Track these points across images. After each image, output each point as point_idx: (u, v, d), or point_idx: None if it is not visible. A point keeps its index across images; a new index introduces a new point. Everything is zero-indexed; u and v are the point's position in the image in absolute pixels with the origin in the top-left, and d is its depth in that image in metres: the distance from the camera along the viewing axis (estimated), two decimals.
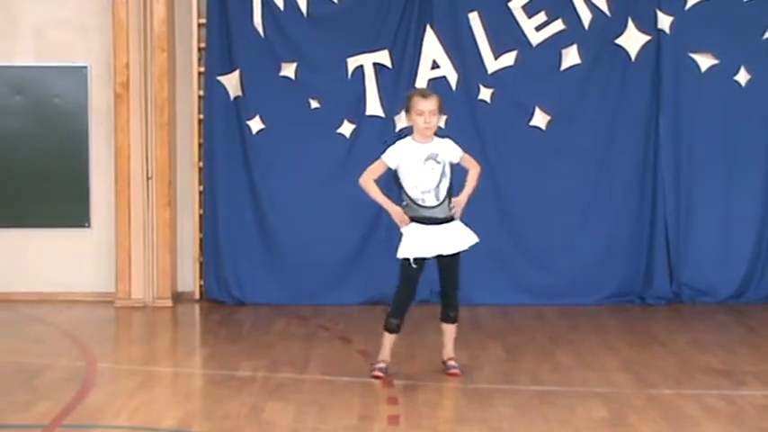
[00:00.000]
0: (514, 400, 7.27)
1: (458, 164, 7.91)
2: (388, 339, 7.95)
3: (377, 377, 7.82)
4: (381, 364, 7.92)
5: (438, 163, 7.73)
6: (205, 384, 8.08)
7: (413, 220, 7.73)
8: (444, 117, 10.58)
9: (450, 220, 7.77)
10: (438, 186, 7.72)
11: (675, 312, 10.72)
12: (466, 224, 7.90)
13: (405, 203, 7.76)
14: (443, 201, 7.73)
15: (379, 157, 7.86)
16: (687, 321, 10.34)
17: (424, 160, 7.71)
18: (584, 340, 9.34)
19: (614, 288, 11.04)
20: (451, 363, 8.00)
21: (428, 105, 7.71)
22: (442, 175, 7.73)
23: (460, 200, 7.86)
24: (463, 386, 7.69)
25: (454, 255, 7.82)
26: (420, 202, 7.71)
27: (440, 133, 7.97)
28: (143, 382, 7.93)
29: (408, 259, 7.73)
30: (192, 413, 7.07)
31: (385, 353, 7.95)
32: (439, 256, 7.79)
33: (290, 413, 6.92)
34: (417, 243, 7.72)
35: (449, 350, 8.05)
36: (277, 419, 6.79)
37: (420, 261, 7.76)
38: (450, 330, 8.03)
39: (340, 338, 9.42)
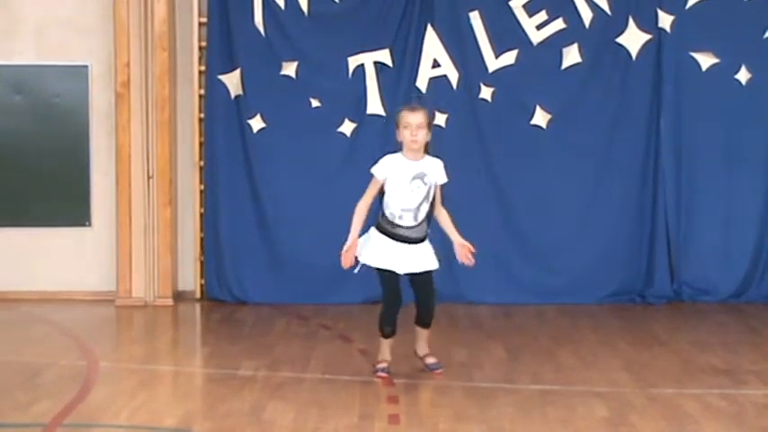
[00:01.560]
0: (515, 400, 7.27)
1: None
2: (384, 345, 7.96)
3: (380, 378, 7.82)
4: (383, 364, 7.91)
5: (425, 184, 7.66)
6: (206, 383, 8.08)
7: (385, 233, 7.69)
8: (445, 116, 10.62)
9: (421, 240, 7.73)
10: (419, 207, 7.67)
11: (676, 311, 10.72)
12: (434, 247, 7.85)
13: (382, 216, 7.73)
14: (421, 223, 7.69)
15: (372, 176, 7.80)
16: (688, 320, 10.34)
17: (411, 178, 7.66)
18: (584, 340, 9.34)
19: (615, 287, 11.04)
20: (431, 361, 7.97)
21: (415, 119, 7.65)
22: (426, 197, 7.67)
23: (463, 242, 7.78)
24: (463, 385, 7.68)
25: (424, 272, 7.79)
26: (397, 220, 7.66)
27: (433, 153, 7.87)
28: (144, 381, 7.94)
29: (381, 269, 7.70)
30: (193, 412, 7.07)
31: (384, 354, 7.96)
32: (410, 273, 7.78)
33: (290, 412, 6.92)
34: (384, 255, 7.69)
35: (422, 346, 8.00)
36: (278, 419, 6.79)
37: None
38: (423, 333, 8.01)
39: (341, 338, 9.42)
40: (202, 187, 11.15)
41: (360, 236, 7.73)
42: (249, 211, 11.06)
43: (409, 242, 7.69)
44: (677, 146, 11.01)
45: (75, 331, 9.65)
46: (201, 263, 11.21)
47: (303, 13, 10.95)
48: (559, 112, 10.97)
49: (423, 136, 7.66)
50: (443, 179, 7.79)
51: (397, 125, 7.78)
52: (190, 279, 11.25)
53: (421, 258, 7.74)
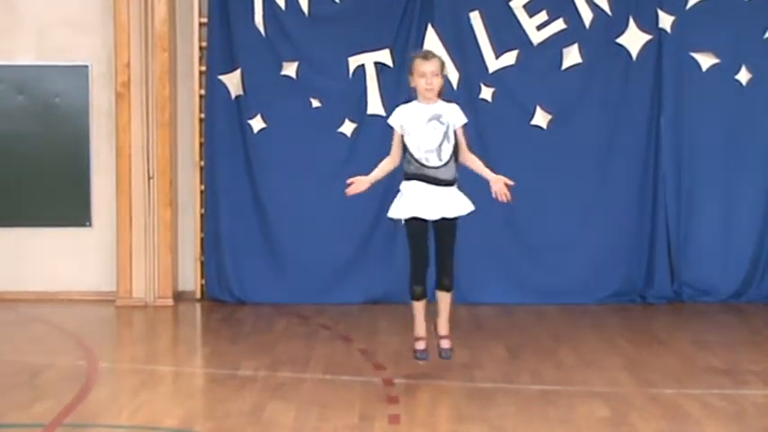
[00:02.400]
0: (516, 399, 7.26)
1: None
2: (417, 310, 7.88)
3: (419, 359, 7.87)
4: (420, 344, 7.88)
5: (441, 123, 7.72)
6: (206, 383, 8.08)
7: (415, 178, 7.72)
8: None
9: (452, 183, 7.75)
10: (440, 147, 7.71)
11: (677, 311, 10.72)
12: (467, 194, 7.86)
13: (409, 163, 7.74)
14: (447, 162, 7.71)
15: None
16: (688, 320, 10.34)
17: (427, 120, 7.72)
18: (585, 339, 9.34)
19: (616, 287, 11.04)
20: (445, 346, 7.92)
21: (429, 66, 7.74)
22: (445, 136, 7.72)
23: (498, 176, 7.86)
24: (464, 385, 7.68)
25: (451, 220, 7.79)
26: (424, 162, 7.71)
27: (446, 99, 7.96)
28: (144, 381, 7.93)
29: (407, 220, 7.74)
30: (194, 412, 7.07)
31: (417, 328, 7.90)
32: (436, 220, 7.77)
33: (291, 412, 6.92)
34: (414, 203, 7.71)
35: (443, 324, 7.95)
36: (278, 419, 6.79)
37: (420, 221, 7.74)
38: (445, 299, 7.93)
39: (341, 338, 9.42)
40: (203, 187, 11.15)
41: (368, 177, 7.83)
42: (249, 211, 11.06)
43: (439, 183, 7.70)
44: (677, 146, 11.01)
45: (75, 331, 9.65)
46: (202, 263, 11.21)
47: (303, 13, 10.95)
48: (560, 112, 10.97)
49: (437, 83, 7.75)
50: (462, 120, 7.83)
51: (410, 73, 7.83)
52: (190, 279, 11.26)
53: (449, 204, 7.74)
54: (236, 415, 6.86)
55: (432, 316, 7.95)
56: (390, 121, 7.85)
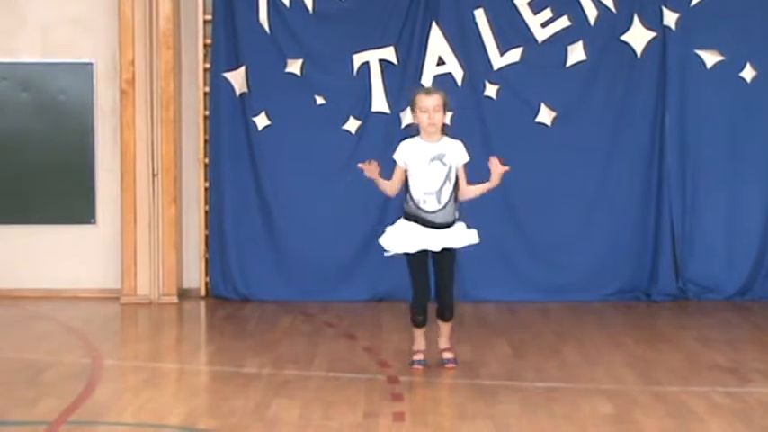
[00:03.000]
0: (520, 397, 7.26)
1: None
2: (418, 332, 7.99)
3: (416, 370, 7.90)
4: (419, 356, 7.96)
5: (444, 165, 7.69)
6: (211, 381, 8.08)
7: (411, 218, 7.71)
8: (450, 114, 10.60)
9: (448, 225, 7.73)
10: (441, 190, 7.68)
11: (681, 309, 10.71)
12: (469, 226, 7.86)
13: (407, 203, 7.75)
14: (445, 205, 7.70)
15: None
16: (693, 318, 10.33)
17: (429, 160, 7.69)
18: (589, 337, 9.33)
19: (620, 285, 11.04)
20: (448, 355, 8.01)
21: (431, 102, 7.70)
22: (447, 178, 7.69)
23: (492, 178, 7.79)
24: (468, 382, 7.68)
25: (447, 253, 7.78)
26: (421, 204, 7.69)
27: (452, 134, 7.94)
28: (149, 378, 7.94)
29: (408, 254, 7.76)
30: (198, 410, 7.07)
31: (417, 343, 8.00)
32: (433, 255, 7.78)
33: (295, 410, 6.92)
34: (403, 237, 7.72)
35: (443, 340, 8.05)
36: (282, 416, 6.79)
37: (419, 253, 7.75)
38: (445, 327, 8.05)
39: (345, 335, 9.42)
40: (207, 185, 11.15)
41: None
42: (254, 208, 11.06)
43: (435, 227, 7.69)
44: (682, 143, 11.01)
45: (79, 329, 9.65)
46: (206, 260, 11.21)
47: (308, 10, 10.95)
48: (564, 109, 10.97)
49: (439, 118, 7.71)
50: (465, 158, 7.80)
51: (412, 108, 7.83)
52: (194, 276, 11.26)
53: (443, 239, 7.72)
54: (240, 412, 6.87)
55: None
56: (395, 156, 7.80)
